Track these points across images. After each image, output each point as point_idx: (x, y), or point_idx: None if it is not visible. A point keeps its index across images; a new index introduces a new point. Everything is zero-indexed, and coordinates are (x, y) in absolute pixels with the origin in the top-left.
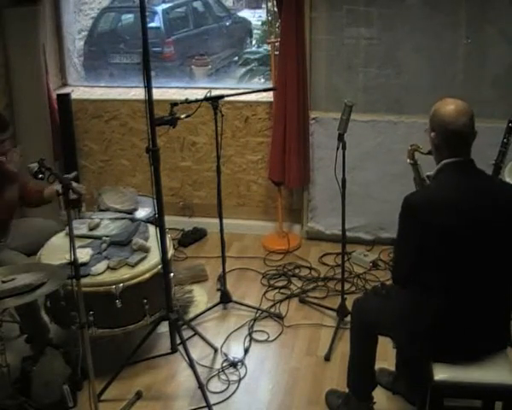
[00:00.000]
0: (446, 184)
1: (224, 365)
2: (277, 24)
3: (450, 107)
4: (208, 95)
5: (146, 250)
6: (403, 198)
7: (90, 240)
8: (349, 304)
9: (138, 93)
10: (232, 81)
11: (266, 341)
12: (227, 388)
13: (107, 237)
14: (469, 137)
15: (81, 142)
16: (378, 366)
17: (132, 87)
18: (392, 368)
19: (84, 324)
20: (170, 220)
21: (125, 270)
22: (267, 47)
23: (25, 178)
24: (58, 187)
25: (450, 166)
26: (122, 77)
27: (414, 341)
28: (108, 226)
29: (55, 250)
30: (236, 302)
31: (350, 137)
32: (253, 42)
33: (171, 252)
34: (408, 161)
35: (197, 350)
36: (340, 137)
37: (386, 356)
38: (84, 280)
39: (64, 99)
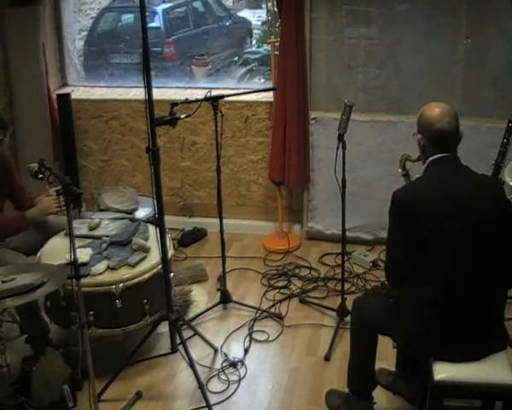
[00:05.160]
0: (431, 176)
1: (224, 365)
2: (277, 24)
3: (434, 109)
4: (208, 95)
5: (146, 250)
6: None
7: (90, 240)
8: (349, 304)
9: (138, 93)
10: (232, 81)
11: (266, 341)
12: (227, 388)
13: (107, 237)
14: (454, 136)
15: (81, 142)
16: (378, 366)
17: (132, 87)
18: (392, 368)
19: (84, 324)
20: (170, 220)
21: (125, 270)
22: (267, 47)
23: (18, 177)
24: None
25: (435, 162)
26: (122, 77)
27: (412, 338)
28: (108, 226)
29: (55, 250)
30: (236, 302)
31: (350, 137)
32: (253, 42)
33: (171, 252)
34: (400, 171)
35: (197, 350)
36: (340, 137)
37: (386, 356)
38: (84, 280)
39: (64, 99)
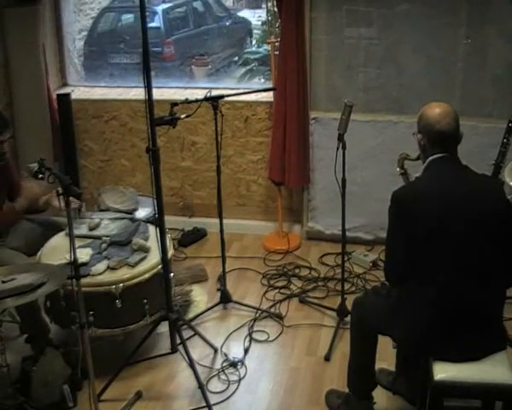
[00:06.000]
0: (431, 176)
1: (224, 365)
2: (277, 24)
3: (435, 109)
4: (208, 95)
5: (146, 250)
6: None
7: (90, 240)
8: (349, 304)
9: (138, 93)
10: (232, 81)
11: (266, 341)
12: (227, 388)
13: (107, 237)
14: (454, 136)
15: (81, 142)
16: (378, 366)
17: (132, 87)
18: (392, 368)
19: (84, 324)
20: (170, 220)
21: (125, 270)
22: (267, 47)
23: (17, 176)
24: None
25: (435, 162)
26: (122, 77)
27: (412, 338)
28: (108, 226)
29: (55, 250)
30: (236, 302)
31: (350, 137)
32: (253, 42)
33: (171, 252)
34: (398, 170)
35: (197, 350)
36: (340, 137)
37: (386, 356)
38: (84, 280)
39: (64, 99)
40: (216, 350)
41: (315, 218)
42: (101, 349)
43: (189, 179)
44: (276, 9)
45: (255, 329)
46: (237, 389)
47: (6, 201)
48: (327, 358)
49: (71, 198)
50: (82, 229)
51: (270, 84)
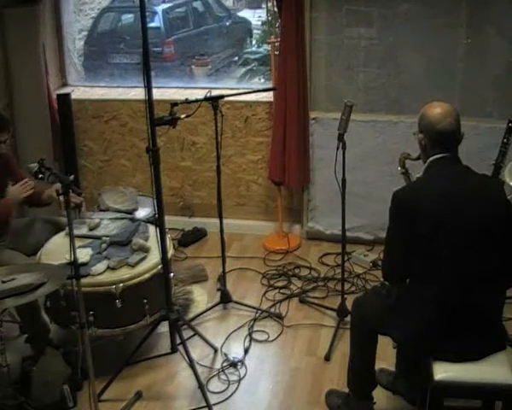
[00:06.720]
0: (432, 177)
1: (224, 365)
2: (277, 24)
3: (436, 109)
4: (208, 95)
5: (146, 250)
6: None
7: (90, 240)
8: (349, 304)
9: (138, 93)
10: (232, 81)
11: (266, 341)
12: (227, 388)
13: (107, 237)
14: (455, 137)
15: (81, 142)
16: (378, 366)
17: (132, 87)
18: (392, 368)
19: (84, 324)
20: (170, 220)
21: (125, 270)
22: (267, 47)
23: (23, 175)
24: (57, 187)
25: (436, 162)
26: (122, 77)
27: (412, 338)
28: (108, 226)
29: (55, 250)
30: (236, 302)
31: (350, 137)
32: (253, 42)
33: (171, 252)
34: (399, 169)
35: (197, 350)
36: (340, 137)
37: (386, 356)
38: (84, 280)
39: (64, 99)
40: (216, 350)
41: (315, 218)
42: (101, 349)
43: (189, 179)
44: (276, 9)
45: (255, 329)
46: (237, 389)
47: None
48: (327, 358)
49: (72, 194)
50: (82, 229)
51: (270, 84)
